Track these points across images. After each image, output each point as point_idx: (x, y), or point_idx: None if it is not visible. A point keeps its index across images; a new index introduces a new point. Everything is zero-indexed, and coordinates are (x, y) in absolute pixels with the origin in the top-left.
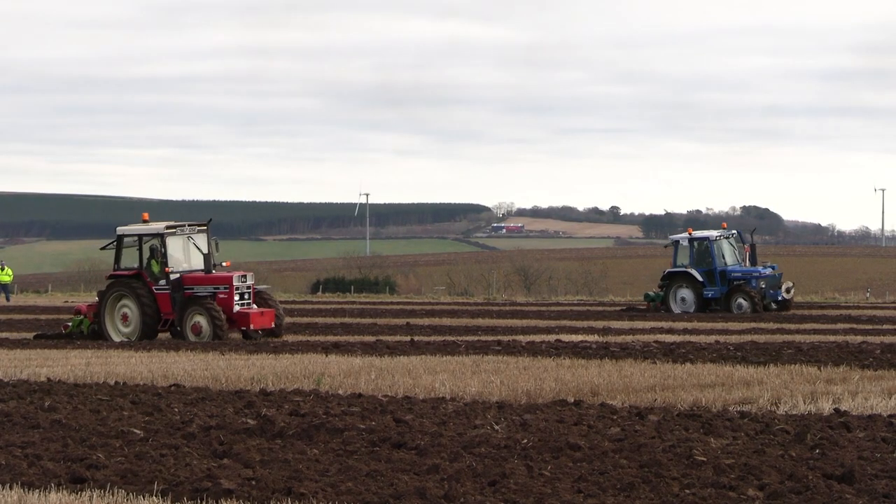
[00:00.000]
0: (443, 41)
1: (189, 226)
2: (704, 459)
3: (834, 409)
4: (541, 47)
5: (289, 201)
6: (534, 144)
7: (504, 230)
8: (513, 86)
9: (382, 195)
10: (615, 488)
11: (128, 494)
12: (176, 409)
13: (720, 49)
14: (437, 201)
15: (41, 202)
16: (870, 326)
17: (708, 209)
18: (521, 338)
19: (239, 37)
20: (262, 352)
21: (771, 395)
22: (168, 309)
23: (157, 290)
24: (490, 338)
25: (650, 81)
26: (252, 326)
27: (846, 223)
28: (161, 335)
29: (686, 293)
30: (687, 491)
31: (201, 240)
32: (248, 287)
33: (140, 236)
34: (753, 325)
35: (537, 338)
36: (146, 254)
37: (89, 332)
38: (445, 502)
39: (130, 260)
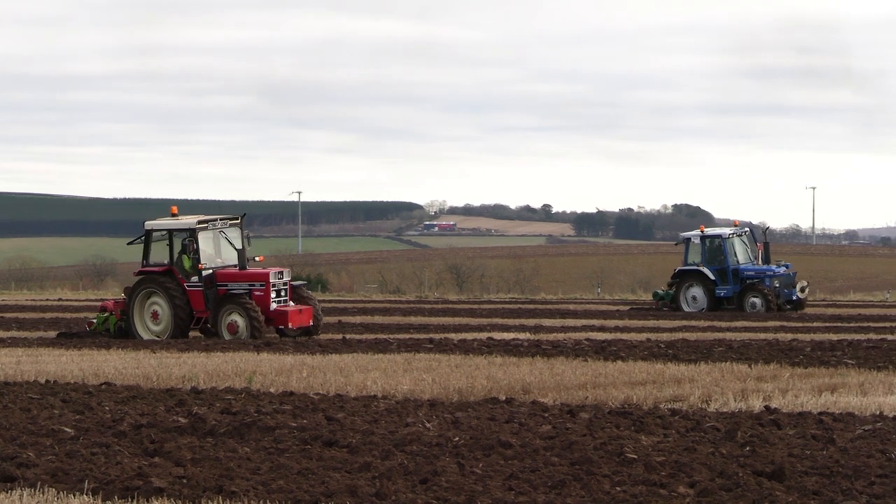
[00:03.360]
0: (375, 39)
1: (221, 220)
2: (635, 457)
3: (764, 407)
4: (472, 45)
5: (221, 199)
6: (466, 142)
7: (436, 228)
8: (445, 84)
9: (314, 193)
10: (546, 486)
11: (58, 493)
12: (107, 408)
13: (651, 47)
14: (370, 199)
15: None
16: (800, 324)
17: (639, 207)
18: (452, 336)
19: (167, 34)
20: (194, 350)
21: (702, 392)
22: (201, 307)
23: (188, 286)
24: (422, 336)
25: (581, 80)
26: (291, 325)
27: (777, 221)
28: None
29: (697, 292)
30: (618, 488)
31: (234, 234)
32: (285, 284)
33: (170, 231)
34: (684, 322)
35: (469, 336)
36: (177, 249)
37: (116, 330)
38: (377, 500)
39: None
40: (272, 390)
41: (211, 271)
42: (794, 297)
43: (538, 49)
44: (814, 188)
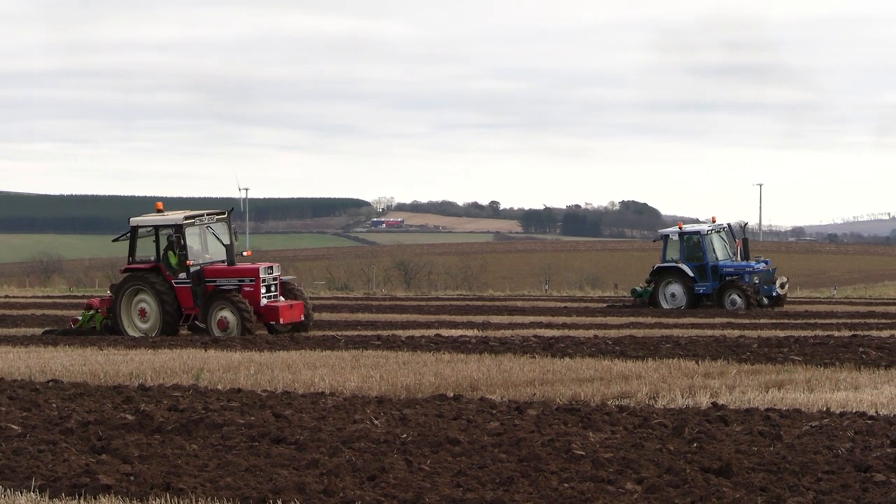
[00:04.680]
0: (323, 36)
1: (208, 215)
2: (583, 453)
3: (711, 403)
4: (423, 42)
5: (169, 196)
6: (414, 139)
7: (384, 225)
8: (393, 80)
9: (262, 190)
10: (494, 482)
11: (5, 490)
12: (54, 405)
13: (599, 44)
14: (317, 196)
15: None
16: (747, 321)
17: (587, 204)
18: (400, 332)
19: (115, 31)
20: (141, 347)
21: (649, 389)
22: (189, 303)
23: (176, 283)
24: (370, 332)
25: (529, 76)
26: (282, 321)
27: (724, 217)
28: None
29: (676, 289)
30: (566, 485)
31: (221, 230)
32: (275, 279)
33: (156, 227)
34: (632, 319)
35: (417, 332)
36: (163, 245)
37: (102, 327)
38: (325, 497)
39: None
40: (220, 387)
41: (199, 267)
42: (774, 294)
43: (485, 46)
44: (760, 185)
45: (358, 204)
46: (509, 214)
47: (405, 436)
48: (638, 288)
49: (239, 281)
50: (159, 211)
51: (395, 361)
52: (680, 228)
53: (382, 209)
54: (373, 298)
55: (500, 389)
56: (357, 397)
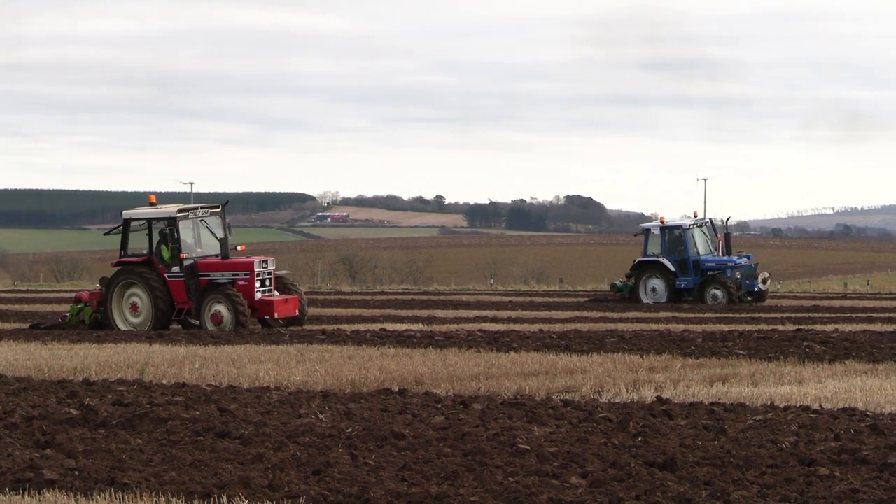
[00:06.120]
0: (267, 29)
1: (202, 208)
2: (528, 447)
3: (656, 397)
4: (366, 37)
5: (113, 190)
6: (359, 133)
7: (329, 219)
8: (338, 75)
9: (206, 184)
10: (439, 476)
11: None
12: None
13: (544, 39)
14: (262, 190)
15: None
16: (691, 315)
17: (532, 198)
18: (345, 327)
19: (61, 24)
20: (86, 341)
21: (594, 383)
22: (182, 297)
23: (169, 277)
24: (314, 327)
25: (475, 71)
26: (276, 315)
27: (669, 212)
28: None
29: (657, 283)
30: (510, 479)
31: (215, 223)
32: (269, 273)
33: (149, 220)
34: (577, 314)
35: (362, 327)
36: (156, 239)
37: (91, 321)
38: (270, 491)
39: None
40: (164, 382)
41: (192, 261)
42: (756, 289)
43: (431, 41)
44: (705, 179)
45: (303, 198)
46: (454, 209)
47: (350, 430)
48: (618, 282)
49: (233, 275)
50: (152, 204)
51: (340, 356)
52: (662, 222)
53: (328, 203)
54: (318, 293)
55: (446, 384)
56: (302, 392)
